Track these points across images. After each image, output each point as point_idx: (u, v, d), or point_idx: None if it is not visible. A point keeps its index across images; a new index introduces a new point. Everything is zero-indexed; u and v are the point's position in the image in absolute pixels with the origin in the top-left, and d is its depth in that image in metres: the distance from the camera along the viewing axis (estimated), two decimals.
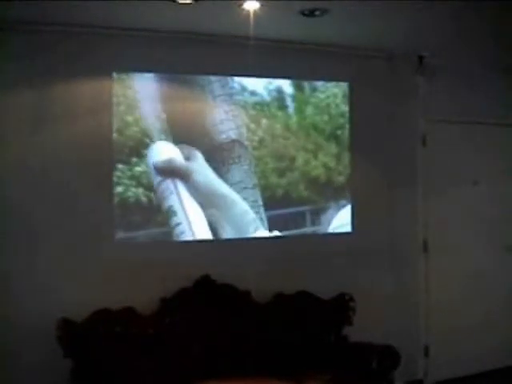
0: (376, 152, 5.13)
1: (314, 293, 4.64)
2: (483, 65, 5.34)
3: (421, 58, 5.15)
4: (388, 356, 4.23)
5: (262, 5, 3.74)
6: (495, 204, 5.54)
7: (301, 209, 4.87)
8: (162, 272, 4.27)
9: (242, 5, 3.74)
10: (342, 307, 4.62)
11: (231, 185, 4.61)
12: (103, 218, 4.26)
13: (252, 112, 4.70)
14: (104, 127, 4.28)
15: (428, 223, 5.23)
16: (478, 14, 4.00)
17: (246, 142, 4.68)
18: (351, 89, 5.03)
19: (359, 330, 4.50)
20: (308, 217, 4.90)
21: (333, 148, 4.98)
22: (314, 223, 4.92)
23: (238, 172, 4.65)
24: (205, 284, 4.37)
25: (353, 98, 5.03)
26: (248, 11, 3.81)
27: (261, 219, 4.71)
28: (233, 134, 4.64)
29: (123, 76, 4.35)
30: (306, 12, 3.95)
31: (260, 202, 4.70)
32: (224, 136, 4.62)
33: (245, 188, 4.66)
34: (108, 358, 3.90)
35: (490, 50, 4.98)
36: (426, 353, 5.21)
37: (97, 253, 4.21)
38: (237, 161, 4.65)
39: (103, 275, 4.19)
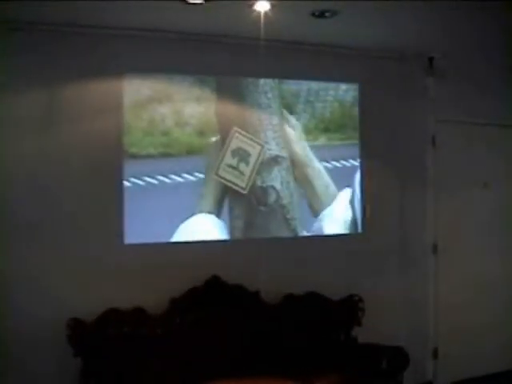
0: (386, 153, 5.12)
1: (323, 294, 4.64)
2: (493, 66, 5.32)
3: (431, 59, 5.14)
4: (397, 357, 4.24)
5: (272, 6, 3.74)
6: (505, 205, 5.53)
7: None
8: (171, 272, 4.29)
9: (252, 6, 3.74)
10: (351, 308, 4.62)
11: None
12: (113, 219, 4.27)
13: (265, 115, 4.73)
14: (114, 128, 4.29)
15: (438, 225, 5.22)
16: (489, 15, 4.00)
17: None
18: (362, 90, 5.03)
19: (368, 331, 4.50)
20: None
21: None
22: None
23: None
24: (215, 284, 4.38)
25: (363, 98, 5.03)
26: (259, 12, 3.82)
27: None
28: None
29: (134, 77, 4.36)
30: (317, 13, 3.96)
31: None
32: None
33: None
34: (117, 357, 3.92)
35: (501, 51, 4.97)
36: (435, 354, 5.20)
37: (107, 253, 4.22)
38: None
39: (113, 275, 4.20)
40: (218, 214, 4.56)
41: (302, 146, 4.82)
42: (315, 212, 4.88)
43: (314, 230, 4.87)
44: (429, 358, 5.18)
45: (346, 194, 4.99)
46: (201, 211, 4.50)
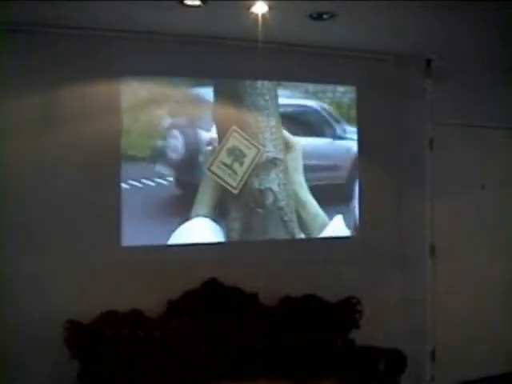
0: (383, 155, 5.13)
1: (321, 296, 4.64)
2: (491, 68, 5.32)
3: (428, 61, 5.13)
4: (395, 360, 4.24)
5: (270, 8, 3.74)
6: (502, 208, 5.52)
7: None
8: (169, 274, 4.28)
9: (250, 8, 3.74)
10: (349, 310, 4.62)
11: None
12: (111, 221, 4.26)
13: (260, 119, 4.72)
14: (112, 130, 4.29)
15: (435, 227, 5.21)
16: (486, 16, 3.99)
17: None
18: (359, 92, 5.03)
19: (366, 334, 4.50)
20: None
21: None
22: None
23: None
24: (212, 286, 4.37)
25: (361, 101, 5.03)
26: (256, 14, 3.81)
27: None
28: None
29: (132, 79, 4.35)
30: (314, 15, 3.96)
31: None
32: None
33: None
34: (114, 359, 3.92)
35: (498, 53, 4.97)
36: (433, 357, 5.19)
37: (104, 255, 4.21)
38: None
39: (110, 277, 4.19)
40: (215, 218, 4.55)
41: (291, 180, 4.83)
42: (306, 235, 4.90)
43: None
44: (427, 361, 5.17)
45: (337, 223, 4.98)
46: (197, 215, 4.49)
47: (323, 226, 4.92)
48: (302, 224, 4.85)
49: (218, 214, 4.57)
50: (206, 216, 4.52)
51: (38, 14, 3.82)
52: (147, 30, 4.23)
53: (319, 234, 4.91)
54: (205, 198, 4.52)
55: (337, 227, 4.96)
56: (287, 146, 4.77)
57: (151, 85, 4.42)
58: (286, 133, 4.76)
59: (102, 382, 3.82)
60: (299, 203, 4.84)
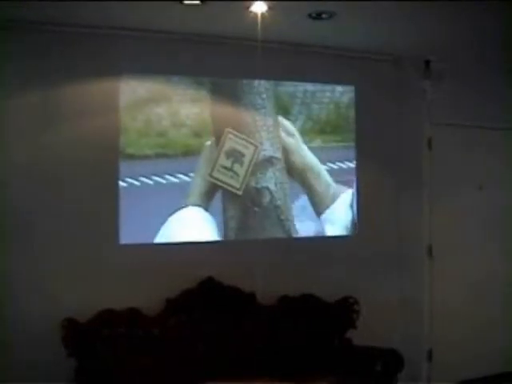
0: (382, 155, 5.14)
1: (318, 295, 4.64)
2: (490, 69, 5.32)
3: (427, 61, 5.14)
4: (392, 360, 4.25)
5: (269, 7, 3.74)
6: (500, 208, 5.53)
7: None
8: (167, 273, 4.28)
9: (249, 7, 3.74)
10: (346, 310, 4.63)
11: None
12: (109, 219, 4.26)
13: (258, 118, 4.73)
14: (111, 129, 4.29)
15: (433, 227, 5.21)
16: (486, 17, 4.00)
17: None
18: (358, 92, 5.04)
19: (363, 334, 4.50)
20: None
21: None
22: None
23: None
24: (210, 285, 4.38)
25: (359, 101, 5.04)
26: (256, 14, 3.82)
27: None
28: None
29: (131, 77, 4.35)
30: (313, 15, 3.97)
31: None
32: None
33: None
34: (112, 357, 3.92)
35: (497, 54, 4.97)
36: (430, 357, 5.19)
37: (102, 254, 4.22)
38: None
39: (108, 276, 4.20)
40: (206, 207, 4.54)
41: (300, 154, 4.84)
42: (317, 211, 4.90)
43: (315, 233, 4.93)
44: (423, 361, 5.17)
45: (347, 195, 5.01)
46: (187, 204, 4.49)
47: (335, 197, 4.96)
48: (315, 195, 4.89)
49: (210, 205, 4.55)
50: (197, 205, 4.52)
51: (38, 13, 3.82)
52: (146, 28, 4.23)
53: (330, 204, 4.94)
54: (195, 188, 4.52)
55: (345, 202, 5.01)
56: (288, 133, 4.80)
57: (150, 83, 4.42)
58: (282, 120, 4.78)
59: (99, 380, 3.81)
60: (313, 173, 4.88)
